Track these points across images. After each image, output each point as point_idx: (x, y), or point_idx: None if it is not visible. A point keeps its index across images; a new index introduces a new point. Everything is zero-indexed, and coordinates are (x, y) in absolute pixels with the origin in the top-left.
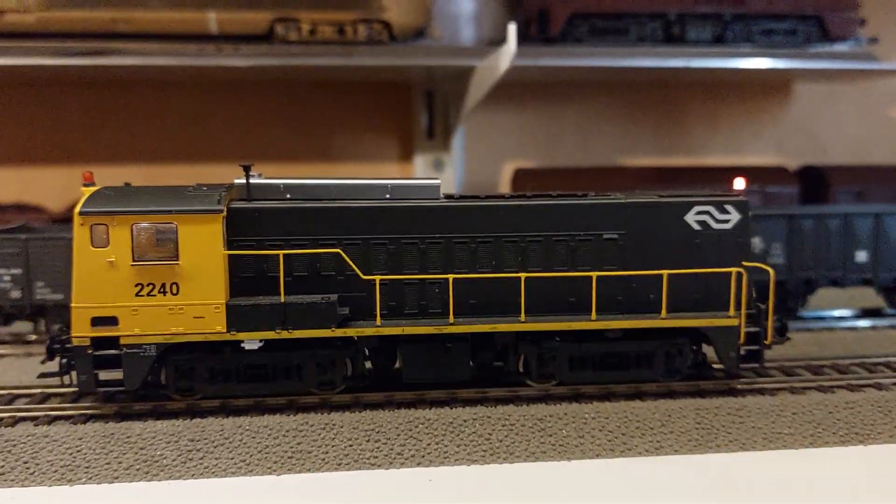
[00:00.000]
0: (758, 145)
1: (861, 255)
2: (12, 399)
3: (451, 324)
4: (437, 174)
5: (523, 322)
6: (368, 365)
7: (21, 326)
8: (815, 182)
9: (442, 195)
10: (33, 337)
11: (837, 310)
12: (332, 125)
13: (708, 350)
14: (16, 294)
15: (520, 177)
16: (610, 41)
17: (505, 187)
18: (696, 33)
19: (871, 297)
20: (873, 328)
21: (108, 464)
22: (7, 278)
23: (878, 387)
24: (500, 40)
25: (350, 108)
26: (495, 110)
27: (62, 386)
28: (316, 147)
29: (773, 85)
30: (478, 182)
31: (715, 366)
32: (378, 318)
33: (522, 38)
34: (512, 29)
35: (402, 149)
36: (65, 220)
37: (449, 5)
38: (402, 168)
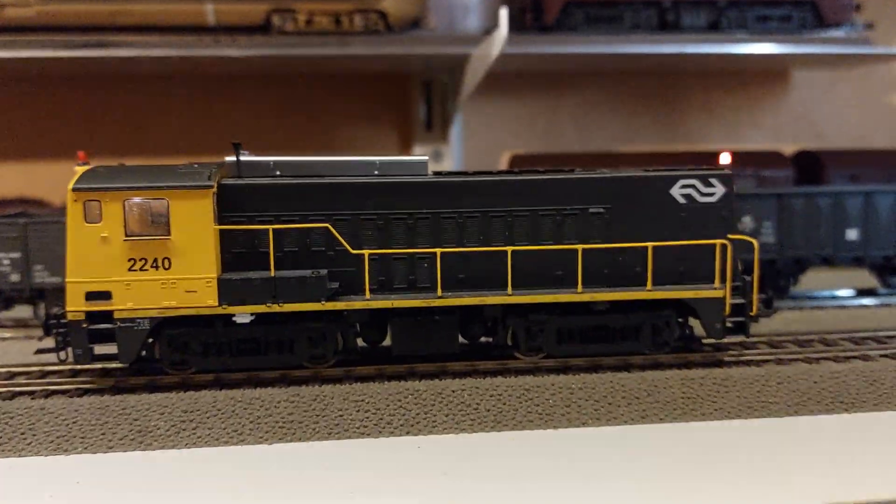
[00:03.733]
0: (756, 132)
1: (851, 234)
2: (12, 376)
3: (440, 297)
4: (436, 164)
5: (510, 295)
6: (361, 342)
7: (21, 310)
8: (809, 166)
9: (430, 172)
10: (34, 321)
11: (830, 290)
12: (332, 117)
13: (696, 323)
14: (15, 278)
15: (516, 163)
16: (604, 29)
17: None
18: (690, 20)
19: (865, 278)
20: (865, 307)
21: (103, 434)
22: (6, 262)
23: (865, 358)
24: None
25: (349, 100)
26: (494, 101)
27: (59, 363)
28: (315, 139)
29: (771, 72)
30: None
31: (704, 340)
32: (367, 292)
33: (518, 28)
34: (503, 14)
35: (401, 140)
36: None
37: None
38: None
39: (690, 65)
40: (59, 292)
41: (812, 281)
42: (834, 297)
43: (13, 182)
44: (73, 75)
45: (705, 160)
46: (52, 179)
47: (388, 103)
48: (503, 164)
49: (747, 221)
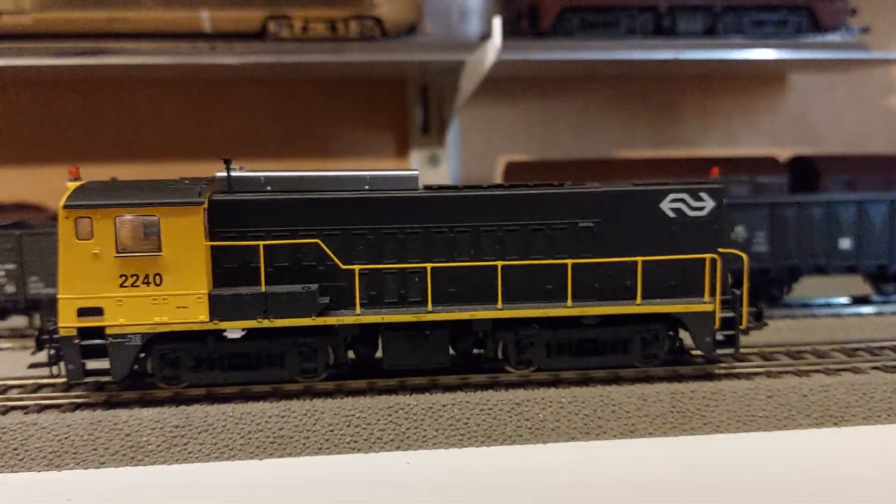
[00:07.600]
0: (753, 137)
1: (845, 243)
2: (5, 390)
3: (430, 311)
4: (433, 169)
5: (501, 309)
6: (351, 355)
7: (16, 321)
8: (805, 172)
9: (421, 186)
10: (30, 331)
11: (824, 298)
12: (328, 123)
13: (686, 336)
14: (10, 289)
15: (511, 170)
16: (600, 34)
17: (498, 181)
18: (686, 25)
19: (859, 284)
20: (859, 315)
21: (95, 450)
22: (1, 273)
23: (856, 370)
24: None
25: (345, 106)
26: (490, 105)
27: (52, 377)
28: (312, 145)
29: (768, 77)
30: (473, 176)
31: (694, 352)
32: (358, 306)
33: (514, 33)
34: (497, 23)
35: (397, 145)
36: None
37: (441, 1)
38: (398, 164)
39: (686, 69)
40: (54, 303)
41: (805, 288)
42: (828, 305)
43: (10, 187)
44: (69, 80)
45: (702, 165)
46: (50, 184)
47: (384, 108)
48: (500, 169)
49: (740, 231)
